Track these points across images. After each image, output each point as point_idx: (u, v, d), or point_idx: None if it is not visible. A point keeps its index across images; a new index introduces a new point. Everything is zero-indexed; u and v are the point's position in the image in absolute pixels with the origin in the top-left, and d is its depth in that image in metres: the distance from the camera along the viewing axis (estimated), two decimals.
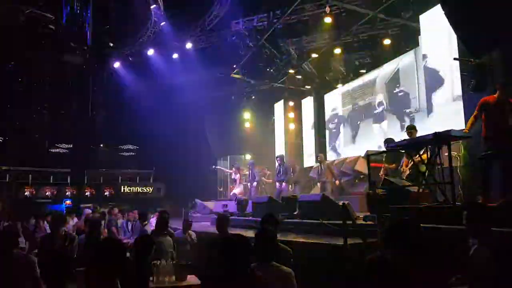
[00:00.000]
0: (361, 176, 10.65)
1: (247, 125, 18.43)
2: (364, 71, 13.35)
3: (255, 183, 12.35)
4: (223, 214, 6.57)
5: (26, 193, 18.00)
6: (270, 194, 10.46)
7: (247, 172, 13.34)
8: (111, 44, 12.14)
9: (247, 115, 18.33)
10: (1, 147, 17.72)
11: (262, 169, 14.35)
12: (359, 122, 13.18)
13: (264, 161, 15.84)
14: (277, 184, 11.33)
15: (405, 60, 11.18)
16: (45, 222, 9.55)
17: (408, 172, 6.71)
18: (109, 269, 2.10)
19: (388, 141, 7.07)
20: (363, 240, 4.39)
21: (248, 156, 17.31)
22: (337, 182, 10.52)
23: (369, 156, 6.31)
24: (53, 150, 18.78)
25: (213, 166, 15.70)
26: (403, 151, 6.50)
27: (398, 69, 11.43)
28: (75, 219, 10.25)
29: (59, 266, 2.46)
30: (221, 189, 17.59)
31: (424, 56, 9.46)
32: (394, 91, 11.52)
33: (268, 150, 17.37)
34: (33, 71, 14.02)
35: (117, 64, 14.54)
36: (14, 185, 18.07)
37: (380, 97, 12.17)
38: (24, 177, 18.50)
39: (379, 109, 12.18)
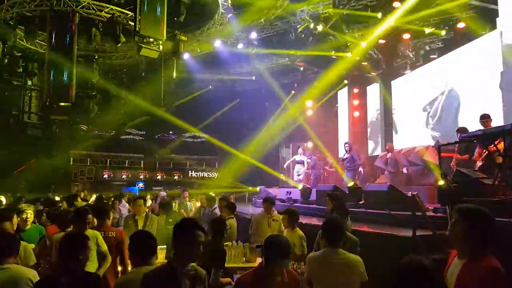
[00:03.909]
0: (431, 167, 10.28)
1: (310, 112, 18.38)
2: (435, 56, 12.70)
3: (310, 172, 12.29)
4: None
5: (105, 176, 19.67)
6: (334, 183, 10.48)
7: (309, 160, 13.34)
8: (183, 37, 12.75)
9: (310, 102, 18.27)
10: (82, 134, 19.39)
11: (324, 157, 14.30)
12: (429, 109, 12.61)
13: (327, 149, 15.75)
14: (346, 172, 11.21)
15: (481, 44, 10.46)
16: (121, 203, 10.39)
17: (481, 163, 6.41)
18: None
19: (461, 131, 6.73)
20: (433, 232, 4.35)
21: (310, 144, 17.33)
22: (404, 170, 10.27)
23: (440, 147, 6.09)
24: (128, 137, 20.24)
25: (285, 167, 15.79)
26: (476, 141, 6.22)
27: (473, 53, 10.73)
28: (150, 202, 11.04)
29: (148, 244, 2.85)
30: (283, 177, 17.81)
31: (503, 40, 8.83)
32: (467, 78, 10.85)
33: (331, 138, 17.23)
34: (112, 63, 15.32)
35: (186, 56, 15.21)
36: (94, 168, 19.85)
37: (453, 83, 11.52)
38: (103, 161, 20.25)
39: (451, 96, 11.56)
